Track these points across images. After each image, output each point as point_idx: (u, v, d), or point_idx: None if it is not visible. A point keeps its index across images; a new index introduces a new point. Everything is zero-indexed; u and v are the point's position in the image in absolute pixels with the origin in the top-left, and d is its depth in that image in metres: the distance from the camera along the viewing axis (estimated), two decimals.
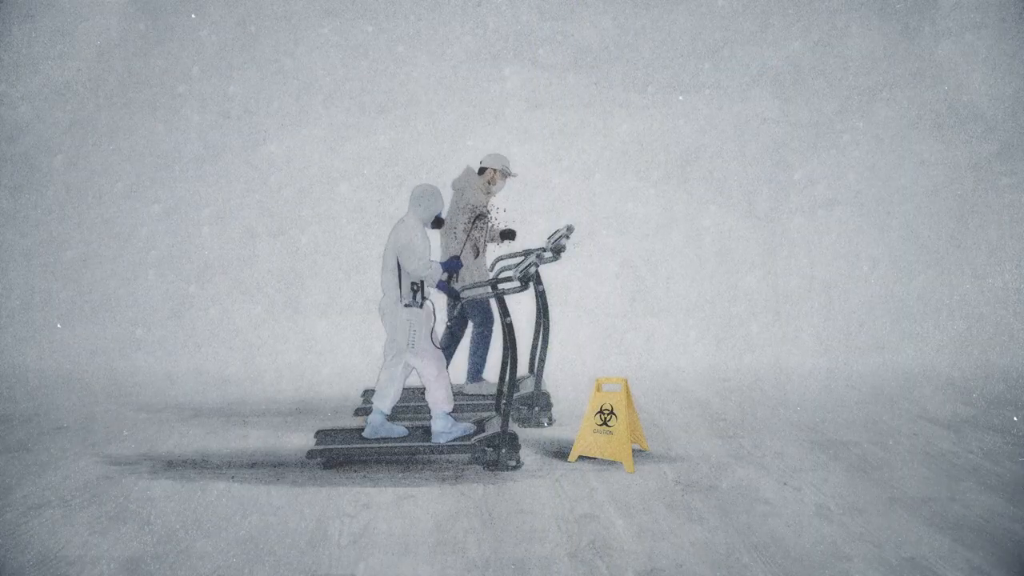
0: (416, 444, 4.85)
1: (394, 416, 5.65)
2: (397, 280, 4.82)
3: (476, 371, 6.05)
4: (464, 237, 5.85)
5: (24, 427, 5.68)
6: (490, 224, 6.06)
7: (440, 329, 5.43)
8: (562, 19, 7.73)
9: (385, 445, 4.83)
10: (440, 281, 4.95)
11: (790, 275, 7.83)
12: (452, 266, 4.98)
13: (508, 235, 6.15)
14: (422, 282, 4.86)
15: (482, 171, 6.02)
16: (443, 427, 4.91)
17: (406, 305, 4.82)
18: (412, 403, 5.73)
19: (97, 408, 6.21)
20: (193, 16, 7.02)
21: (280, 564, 3.62)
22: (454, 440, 4.88)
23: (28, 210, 7.64)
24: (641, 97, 7.77)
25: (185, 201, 7.70)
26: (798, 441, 5.37)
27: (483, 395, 5.93)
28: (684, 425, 5.75)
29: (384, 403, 4.97)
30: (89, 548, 3.76)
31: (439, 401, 4.91)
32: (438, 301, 5.60)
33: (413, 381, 5.76)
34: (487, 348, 6.03)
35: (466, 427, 4.98)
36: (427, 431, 5.05)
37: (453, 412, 5.26)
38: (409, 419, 5.65)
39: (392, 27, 7.69)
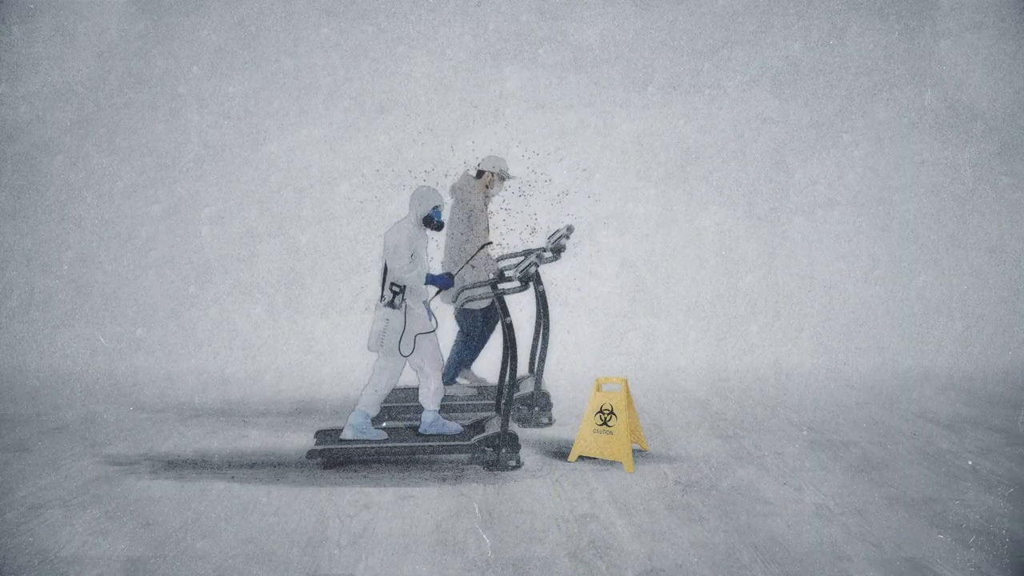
0: (415, 444, 4.85)
1: (386, 414, 5.65)
2: (383, 279, 4.84)
3: (450, 376, 6.05)
4: (465, 239, 5.84)
5: (24, 427, 5.68)
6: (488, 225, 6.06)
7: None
8: (562, 19, 7.73)
9: (385, 445, 4.83)
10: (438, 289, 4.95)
11: (790, 275, 7.83)
12: (440, 282, 4.91)
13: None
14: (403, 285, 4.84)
15: (480, 174, 6.00)
16: (431, 420, 4.99)
17: (386, 305, 4.81)
18: (412, 403, 5.74)
19: (97, 408, 6.21)
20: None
21: (280, 564, 3.62)
22: (440, 435, 4.93)
23: (28, 210, 7.64)
24: (641, 97, 7.77)
25: (185, 201, 7.70)
26: (798, 441, 5.37)
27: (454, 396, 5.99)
28: (684, 425, 5.75)
29: (371, 404, 4.93)
30: (89, 548, 3.76)
31: (431, 400, 4.98)
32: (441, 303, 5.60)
33: (408, 380, 5.77)
34: (466, 353, 6.04)
35: (455, 427, 5.01)
36: (414, 430, 5.11)
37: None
38: (409, 418, 5.65)
39: (392, 27, 7.70)
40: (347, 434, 4.90)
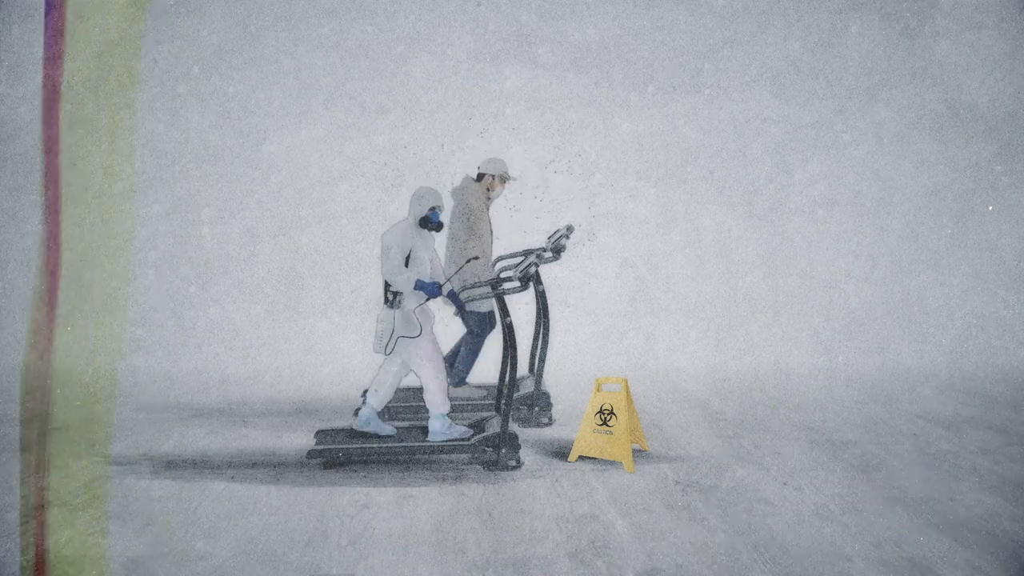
0: (415, 444, 4.85)
1: (394, 415, 5.67)
2: (385, 280, 4.87)
3: (460, 377, 5.99)
4: (466, 243, 5.82)
5: (24, 427, 5.68)
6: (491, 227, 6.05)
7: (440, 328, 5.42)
8: (562, 19, 7.73)
9: (385, 445, 4.83)
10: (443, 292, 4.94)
11: (790, 275, 7.83)
12: (428, 290, 4.84)
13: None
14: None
15: (480, 177, 5.97)
16: (440, 427, 4.93)
17: (389, 307, 4.83)
18: (413, 403, 5.74)
19: (97, 408, 6.21)
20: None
21: (280, 564, 3.62)
22: (449, 441, 4.89)
23: (28, 210, 7.64)
24: (641, 97, 7.77)
25: (185, 201, 7.70)
26: (798, 441, 5.37)
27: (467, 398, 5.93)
28: (684, 425, 5.75)
29: (375, 399, 5.01)
30: (89, 548, 3.76)
31: (435, 403, 4.93)
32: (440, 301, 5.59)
33: (411, 380, 5.76)
34: (476, 357, 6.00)
35: (463, 431, 4.98)
36: (424, 431, 5.07)
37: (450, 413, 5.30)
38: (408, 418, 5.66)
39: (392, 27, 7.69)
40: (358, 424, 4.99)
